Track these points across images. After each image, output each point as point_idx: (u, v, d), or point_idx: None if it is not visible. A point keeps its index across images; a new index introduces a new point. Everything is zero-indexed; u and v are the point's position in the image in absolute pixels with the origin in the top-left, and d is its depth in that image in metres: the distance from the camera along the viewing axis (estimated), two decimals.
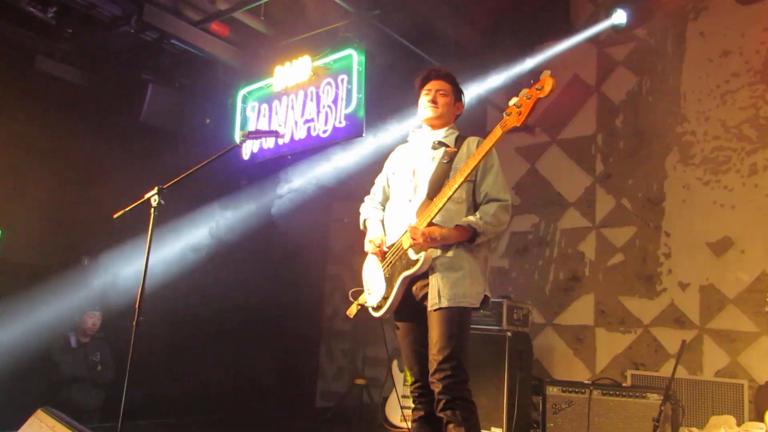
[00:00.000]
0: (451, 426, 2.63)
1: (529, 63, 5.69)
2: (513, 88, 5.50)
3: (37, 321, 5.33)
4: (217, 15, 5.48)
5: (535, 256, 5.92)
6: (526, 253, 5.98)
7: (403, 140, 3.25)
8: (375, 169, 3.32)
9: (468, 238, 2.79)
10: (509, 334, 4.75)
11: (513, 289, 5.79)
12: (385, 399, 5.41)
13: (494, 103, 6.12)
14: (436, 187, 2.84)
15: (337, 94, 5.32)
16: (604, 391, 4.34)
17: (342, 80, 5.30)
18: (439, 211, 2.75)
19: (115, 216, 3.30)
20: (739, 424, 4.18)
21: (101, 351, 5.37)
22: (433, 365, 2.70)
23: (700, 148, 5.22)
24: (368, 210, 3.22)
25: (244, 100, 6.09)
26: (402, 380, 5.23)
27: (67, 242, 5.91)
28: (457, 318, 2.74)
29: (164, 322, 4.98)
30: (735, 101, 5.11)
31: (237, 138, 5.92)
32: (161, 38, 5.43)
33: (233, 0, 5.41)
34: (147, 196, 3.18)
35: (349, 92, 5.23)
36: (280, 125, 5.72)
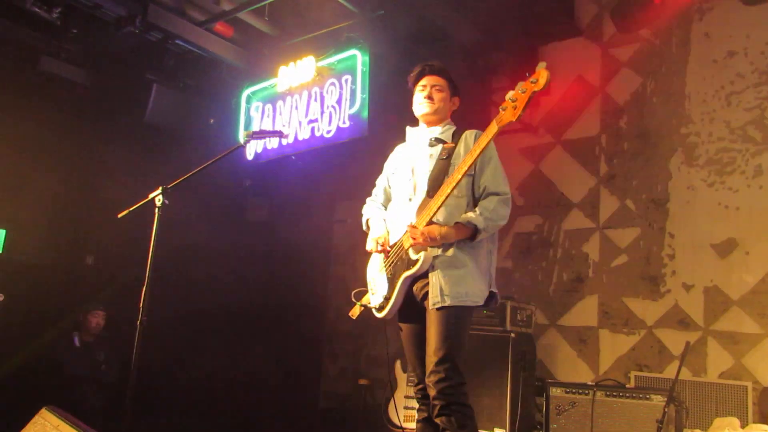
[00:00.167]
0: None
1: (534, 64, 5.66)
2: None
3: (41, 320, 5.35)
4: (222, 15, 5.48)
5: (539, 257, 5.91)
6: (529, 253, 5.97)
7: (403, 140, 3.23)
8: (378, 169, 3.32)
9: (468, 236, 2.75)
10: (513, 335, 4.75)
11: (516, 290, 5.78)
12: (388, 400, 5.41)
13: (498, 105, 6.08)
14: (435, 185, 2.80)
15: (341, 95, 5.32)
16: (608, 393, 4.33)
17: (346, 80, 5.30)
18: (439, 209, 2.72)
19: (120, 216, 3.31)
20: (743, 426, 4.17)
21: (105, 350, 5.39)
22: (429, 366, 2.67)
23: (704, 149, 5.20)
24: (370, 210, 3.20)
25: (248, 100, 6.09)
26: (405, 381, 5.23)
27: (71, 241, 5.93)
28: (455, 318, 2.70)
29: (167, 322, 4.98)
30: (740, 102, 5.10)
31: (241, 138, 5.97)
32: (165, 38, 5.44)
33: (237, 0, 5.41)
34: (151, 195, 3.18)
35: (353, 92, 5.23)
36: (284, 125, 5.72)
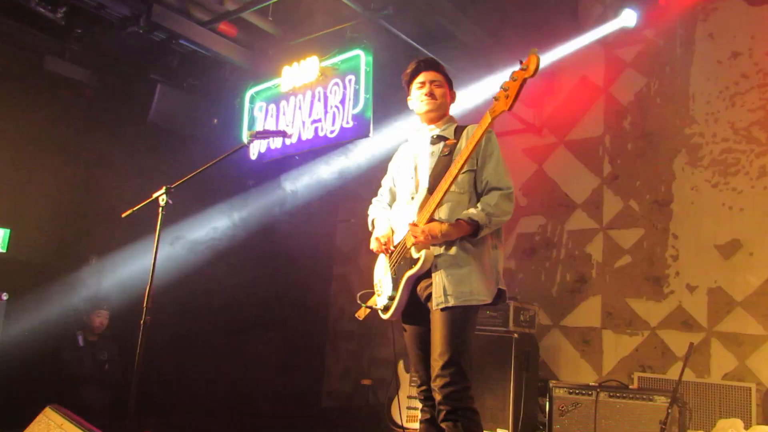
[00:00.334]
0: None
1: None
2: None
3: (45, 319, 5.36)
4: (226, 15, 5.49)
5: (542, 257, 5.90)
6: (533, 254, 5.97)
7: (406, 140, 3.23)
8: (382, 169, 3.31)
9: (471, 232, 2.70)
10: (516, 335, 4.75)
11: (520, 291, 5.78)
12: (391, 399, 5.41)
13: None
14: (437, 182, 2.76)
15: (344, 95, 5.32)
16: (611, 394, 4.32)
17: (349, 80, 5.31)
18: (438, 205, 2.70)
19: (124, 215, 3.32)
20: (746, 428, 4.16)
21: (109, 350, 5.40)
22: (434, 369, 2.64)
23: (708, 150, 5.19)
24: (375, 210, 3.19)
25: (252, 100, 6.10)
26: (408, 381, 5.23)
27: (75, 241, 5.94)
28: (461, 319, 2.66)
29: (171, 322, 4.99)
30: (744, 103, 5.09)
31: (245, 138, 5.97)
32: (170, 38, 5.44)
33: (241, 0, 5.42)
34: (155, 195, 3.19)
35: (356, 92, 5.23)
36: (287, 125, 5.72)
